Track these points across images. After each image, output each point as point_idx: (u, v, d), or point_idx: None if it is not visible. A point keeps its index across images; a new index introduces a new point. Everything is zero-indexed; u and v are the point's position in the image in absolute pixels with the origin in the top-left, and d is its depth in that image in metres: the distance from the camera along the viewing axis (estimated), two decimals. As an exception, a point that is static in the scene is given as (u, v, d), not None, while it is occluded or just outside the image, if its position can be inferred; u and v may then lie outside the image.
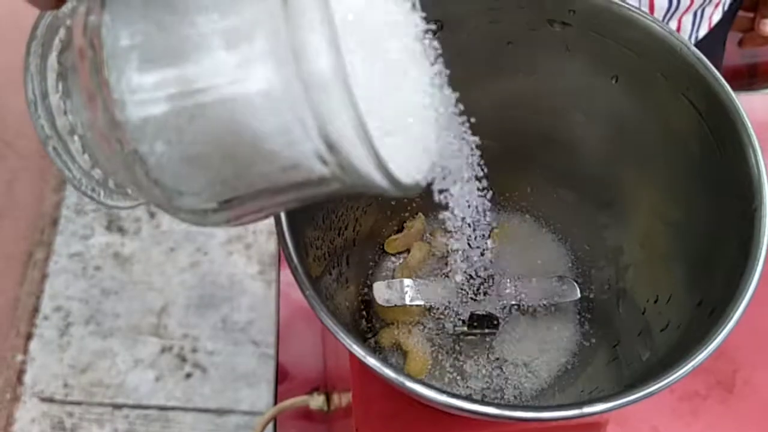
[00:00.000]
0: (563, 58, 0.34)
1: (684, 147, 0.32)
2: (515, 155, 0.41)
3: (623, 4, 0.31)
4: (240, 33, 0.18)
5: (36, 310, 1.33)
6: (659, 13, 0.66)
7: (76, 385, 1.30)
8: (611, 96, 0.34)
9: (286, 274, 0.74)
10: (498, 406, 0.24)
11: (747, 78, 0.99)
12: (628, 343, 0.35)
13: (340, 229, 0.38)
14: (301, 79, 0.17)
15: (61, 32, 0.24)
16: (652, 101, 0.33)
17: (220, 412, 1.34)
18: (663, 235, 0.35)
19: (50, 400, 1.30)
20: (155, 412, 1.33)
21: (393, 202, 0.42)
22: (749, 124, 0.28)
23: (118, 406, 1.32)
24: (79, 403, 1.29)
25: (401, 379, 0.25)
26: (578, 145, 0.38)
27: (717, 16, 0.73)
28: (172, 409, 1.32)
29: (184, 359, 1.31)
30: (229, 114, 0.19)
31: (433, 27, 0.24)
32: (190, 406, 1.33)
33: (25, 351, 1.31)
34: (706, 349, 0.25)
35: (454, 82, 0.36)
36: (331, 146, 0.18)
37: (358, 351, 0.26)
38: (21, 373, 1.31)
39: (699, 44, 0.75)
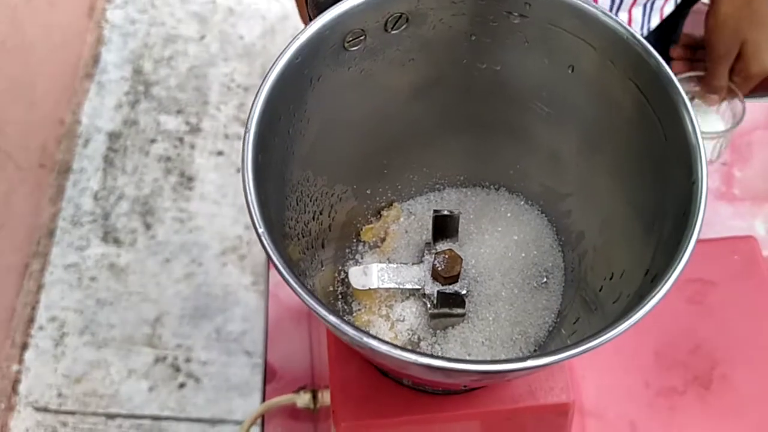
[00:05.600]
0: (523, 49, 0.37)
1: (633, 130, 0.34)
2: (484, 145, 0.43)
3: (574, -5, 0.34)
4: None
5: (31, 320, 1.36)
6: (605, 2, 0.68)
7: (71, 395, 1.32)
8: (569, 86, 0.37)
9: (275, 274, 0.76)
10: (446, 359, 0.26)
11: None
12: (586, 319, 0.37)
13: (315, 213, 0.40)
14: None
15: None
16: (604, 88, 0.35)
17: (213, 421, 1.36)
18: (619, 217, 0.37)
19: (44, 409, 1.32)
20: (149, 422, 1.34)
21: (368, 190, 0.44)
22: (689, 104, 0.30)
23: (111, 416, 1.33)
24: (73, 413, 1.31)
25: (357, 334, 0.27)
26: (541, 135, 0.40)
27: (669, 8, 0.76)
28: (166, 419, 1.34)
29: (177, 369, 1.33)
30: None
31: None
32: (184, 416, 1.34)
33: (20, 361, 1.33)
34: (643, 308, 0.27)
35: (420, 74, 0.39)
36: None
37: (308, 298, 0.28)
38: (16, 382, 1.33)
39: (652, 33, 0.77)
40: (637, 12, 0.72)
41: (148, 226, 1.41)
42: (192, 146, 1.48)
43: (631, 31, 0.33)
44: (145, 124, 1.50)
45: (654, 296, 0.28)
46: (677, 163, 0.31)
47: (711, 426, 0.64)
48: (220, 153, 1.47)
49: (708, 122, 0.76)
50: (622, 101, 0.34)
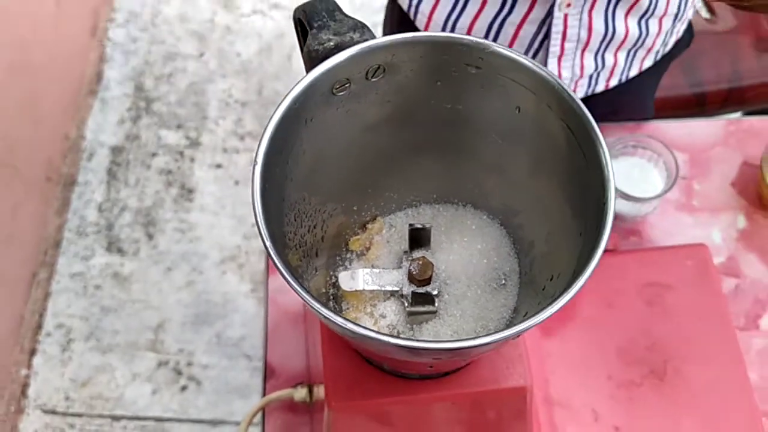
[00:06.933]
0: (479, 93, 0.46)
1: (566, 159, 0.43)
2: (452, 169, 0.52)
3: (517, 53, 0.43)
4: None
5: (39, 327, 1.45)
6: (597, 38, 0.77)
7: (77, 398, 1.41)
8: (516, 123, 0.46)
9: (274, 281, 0.85)
10: (410, 339, 0.35)
11: (696, 107, 1.11)
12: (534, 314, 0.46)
13: (310, 227, 0.49)
14: None
15: None
16: (543, 125, 0.44)
17: (214, 422, 1.45)
18: (559, 229, 0.46)
19: (52, 412, 1.41)
20: (152, 423, 1.43)
21: (355, 207, 0.54)
22: (603, 139, 0.40)
23: (116, 418, 1.42)
24: (79, 415, 1.40)
25: (344, 322, 0.36)
26: (497, 162, 0.50)
27: (648, 62, 0.85)
28: (168, 420, 1.43)
29: (179, 373, 1.41)
30: None
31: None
32: (186, 418, 1.43)
33: (29, 366, 1.41)
34: (553, 307, 0.36)
35: (398, 112, 0.48)
36: None
37: (306, 297, 0.37)
38: (25, 386, 1.42)
39: (630, 82, 0.86)
40: (622, 56, 0.82)
41: (150, 237, 1.49)
42: (192, 159, 1.57)
43: (560, 82, 0.42)
44: (146, 139, 1.59)
45: (563, 298, 0.37)
46: (596, 187, 0.40)
47: (665, 413, 0.73)
48: (218, 166, 1.56)
49: (649, 180, 0.84)
50: (557, 136, 0.43)
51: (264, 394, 0.82)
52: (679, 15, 0.81)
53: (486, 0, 0.73)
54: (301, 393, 0.76)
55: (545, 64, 0.77)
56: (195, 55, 1.69)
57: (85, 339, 1.42)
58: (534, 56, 0.79)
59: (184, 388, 1.39)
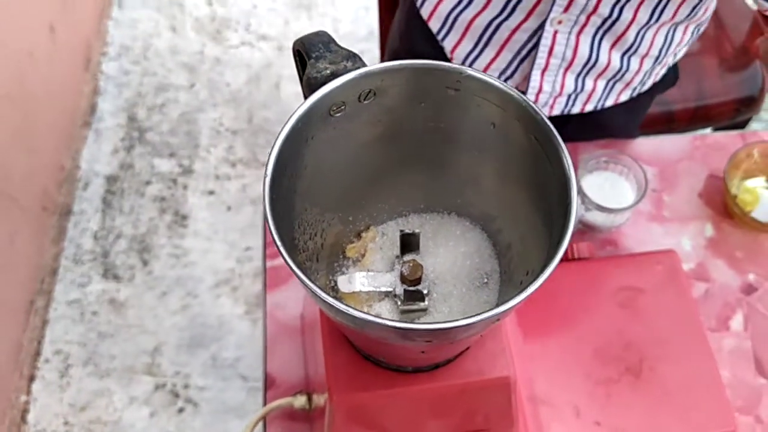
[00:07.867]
0: (459, 112, 0.53)
1: (534, 167, 0.50)
2: (437, 181, 0.59)
3: (489, 76, 0.50)
4: None
5: (38, 353, 1.50)
6: (580, 61, 0.84)
7: (76, 422, 1.46)
8: (492, 137, 0.53)
9: (272, 296, 0.91)
10: (396, 321, 0.42)
11: (665, 124, 1.19)
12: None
13: (311, 235, 0.56)
14: None
15: None
16: (514, 138, 0.51)
17: (211, 443, 1.49)
18: (531, 231, 0.53)
19: (52, 437, 1.44)
20: (150, 446, 1.47)
21: (350, 217, 0.60)
22: (564, 145, 0.47)
23: (115, 441, 1.46)
24: (79, 440, 1.43)
25: (329, 300, 0.42)
26: (474, 173, 0.57)
27: (624, 96, 0.92)
28: (167, 442, 1.47)
29: (176, 395, 1.47)
30: None
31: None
32: (183, 439, 1.47)
33: (28, 392, 1.46)
34: (517, 297, 0.43)
35: (387, 131, 0.55)
36: None
37: (313, 287, 0.43)
38: (24, 412, 1.46)
39: (611, 111, 0.93)
40: (601, 84, 0.89)
41: (145, 263, 1.55)
42: (185, 187, 1.63)
43: (527, 99, 0.49)
44: (140, 168, 1.65)
45: (534, 284, 0.43)
46: (560, 191, 0.47)
47: (640, 408, 0.80)
48: (211, 192, 1.63)
49: (621, 193, 0.92)
50: (525, 146, 0.51)
51: (265, 403, 0.88)
52: (660, 59, 0.88)
53: (489, 1, 0.81)
54: (300, 400, 0.82)
55: (530, 74, 0.85)
56: (186, 86, 1.76)
57: (83, 364, 1.47)
58: (520, 64, 0.86)
59: (181, 410, 1.43)
